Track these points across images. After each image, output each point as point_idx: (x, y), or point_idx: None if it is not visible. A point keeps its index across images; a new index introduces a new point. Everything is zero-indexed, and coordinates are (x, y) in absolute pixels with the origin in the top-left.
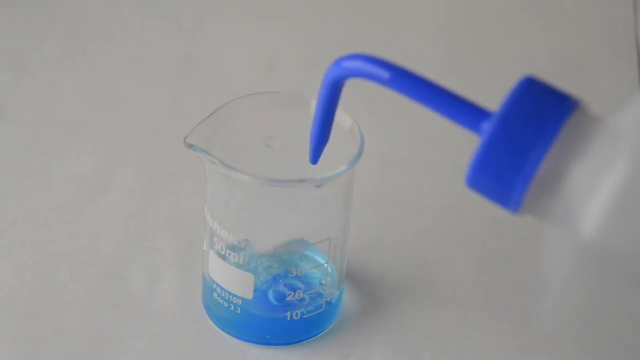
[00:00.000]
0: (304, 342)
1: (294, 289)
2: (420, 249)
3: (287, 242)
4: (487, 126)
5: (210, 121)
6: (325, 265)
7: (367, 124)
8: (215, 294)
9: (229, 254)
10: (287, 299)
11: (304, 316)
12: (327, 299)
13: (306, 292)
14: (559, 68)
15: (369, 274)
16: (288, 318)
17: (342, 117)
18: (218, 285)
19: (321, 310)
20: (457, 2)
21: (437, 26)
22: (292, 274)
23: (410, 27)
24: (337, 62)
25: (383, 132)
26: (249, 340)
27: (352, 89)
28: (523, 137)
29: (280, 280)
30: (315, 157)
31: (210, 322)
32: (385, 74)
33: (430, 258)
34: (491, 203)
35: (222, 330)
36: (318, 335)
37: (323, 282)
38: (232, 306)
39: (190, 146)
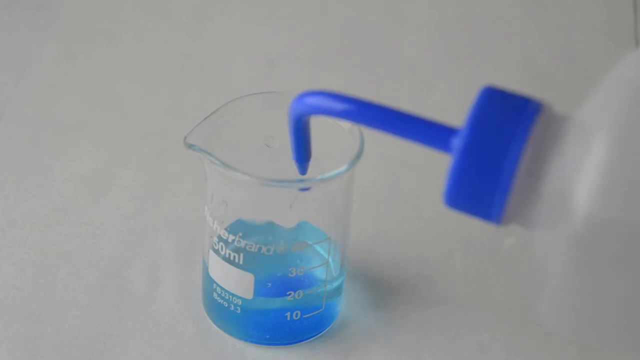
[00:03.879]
0: (304, 342)
1: (294, 288)
2: (420, 248)
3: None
4: (456, 142)
5: (210, 121)
6: (325, 265)
7: None
8: (215, 294)
9: (229, 254)
10: (287, 299)
11: (304, 316)
12: (327, 299)
13: (306, 292)
14: (559, 68)
15: (369, 274)
16: (288, 318)
17: None
18: (218, 285)
19: (321, 310)
20: (457, 2)
21: (436, 26)
22: (292, 274)
23: (410, 27)
24: (299, 98)
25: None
26: (249, 340)
27: (351, 89)
28: (494, 147)
29: (280, 280)
30: (302, 172)
31: (210, 322)
32: (347, 109)
33: (430, 258)
34: (472, 218)
35: (222, 330)
36: (318, 335)
37: (323, 282)
38: (232, 306)
39: (190, 146)
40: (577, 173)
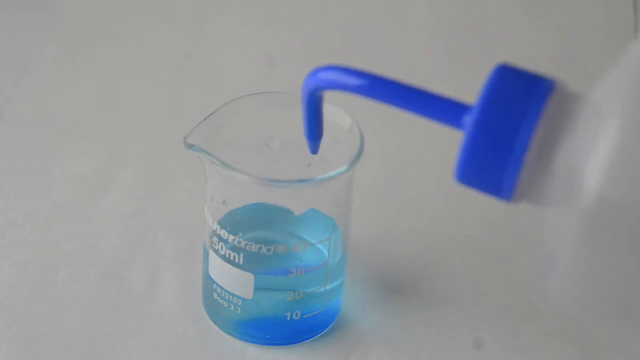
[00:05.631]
0: (304, 342)
1: (294, 288)
2: (420, 248)
3: (288, 240)
4: (468, 119)
5: (210, 121)
6: (326, 265)
7: (367, 124)
8: (215, 294)
9: (229, 254)
10: (287, 299)
11: (304, 316)
12: (327, 299)
13: (306, 292)
14: (559, 68)
15: (369, 274)
16: (288, 318)
17: (342, 117)
18: (218, 285)
19: (321, 310)
20: (457, 2)
21: (436, 26)
22: (292, 274)
23: (410, 27)
24: (313, 73)
25: (383, 131)
26: (249, 340)
27: None
28: (506, 124)
29: (281, 281)
30: (314, 150)
31: (210, 322)
32: (360, 83)
33: (431, 258)
34: (484, 195)
35: (222, 330)
36: (318, 335)
37: (323, 282)
38: (232, 306)
39: (190, 146)
40: (588, 152)
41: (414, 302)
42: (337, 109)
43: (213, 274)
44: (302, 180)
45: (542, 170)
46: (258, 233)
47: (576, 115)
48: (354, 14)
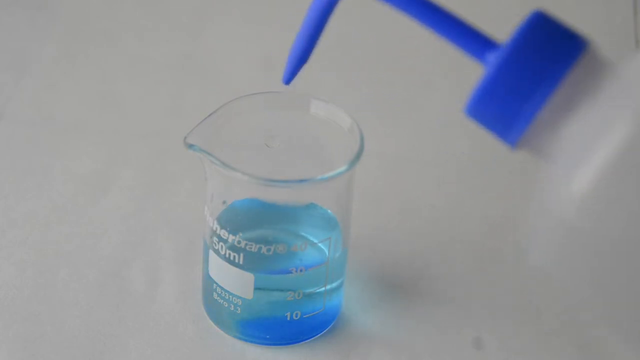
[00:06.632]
0: (304, 342)
1: (294, 288)
2: (420, 249)
3: (288, 240)
4: (493, 57)
5: (210, 121)
6: (326, 265)
7: (367, 124)
8: (215, 294)
9: (229, 254)
10: (287, 299)
11: (304, 316)
12: (327, 299)
13: (306, 292)
14: None
15: (369, 274)
16: (288, 318)
17: (342, 117)
18: (218, 285)
19: (321, 310)
20: (457, 2)
21: None
22: (292, 273)
23: (409, 27)
24: None
25: (383, 131)
26: (249, 340)
27: (352, 88)
28: (532, 73)
29: (280, 280)
30: (290, 77)
31: (210, 322)
32: None
33: (431, 258)
34: (488, 133)
35: (222, 330)
36: (318, 335)
37: (323, 281)
38: (232, 306)
39: (190, 146)
40: (601, 129)
41: (414, 302)
42: (337, 109)
43: (213, 273)
44: (302, 180)
45: (552, 127)
46: (258, 233)
47: (601, 82)
48: (353, 14)
